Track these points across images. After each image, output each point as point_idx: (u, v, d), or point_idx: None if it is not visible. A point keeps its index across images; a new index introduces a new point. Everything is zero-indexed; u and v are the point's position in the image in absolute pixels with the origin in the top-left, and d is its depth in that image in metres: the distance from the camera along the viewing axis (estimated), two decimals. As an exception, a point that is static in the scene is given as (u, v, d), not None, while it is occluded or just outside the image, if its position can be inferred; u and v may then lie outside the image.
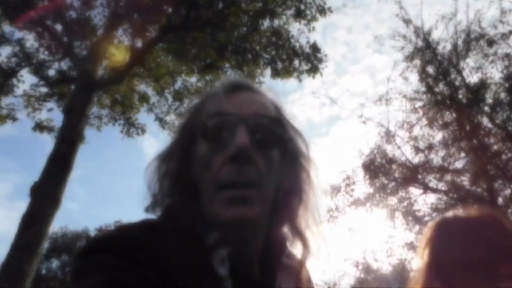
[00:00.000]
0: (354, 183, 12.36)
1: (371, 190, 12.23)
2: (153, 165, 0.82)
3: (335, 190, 12.32)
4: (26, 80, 10.13)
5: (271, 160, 0.75)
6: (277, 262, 0.77)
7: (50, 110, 10.11)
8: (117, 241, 0.62)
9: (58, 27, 8.72)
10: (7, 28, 8.97)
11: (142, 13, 8.50)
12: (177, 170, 0.79)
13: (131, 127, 10.98)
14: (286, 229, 0.81)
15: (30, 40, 9.26)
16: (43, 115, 9.81)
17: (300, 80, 9.78)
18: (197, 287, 0.62)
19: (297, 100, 29.83)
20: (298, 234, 0.79)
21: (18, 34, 8.94)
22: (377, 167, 11.92)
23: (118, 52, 8.88)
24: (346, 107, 25.41)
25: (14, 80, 9.39)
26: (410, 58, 12.05)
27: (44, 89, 9.90)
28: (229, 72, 9.63)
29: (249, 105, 0.76)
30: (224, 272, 0.66)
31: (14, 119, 9.85)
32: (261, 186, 0.71)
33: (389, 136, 11.92)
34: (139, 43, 8.89)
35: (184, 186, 0.78)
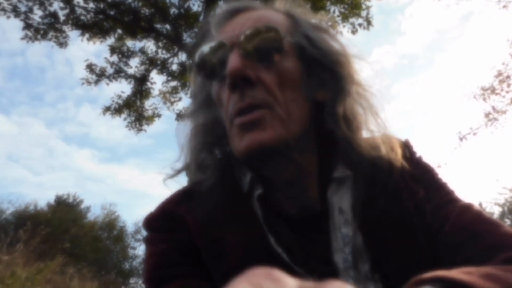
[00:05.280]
0: (509, 76, 10.66)
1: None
2: (182, 125, 0.76)
3: (487, 90, 10.97)
4: (156, 80, 11.19)
5: (283, 71, 0.64)
6: (331, 177, 0.67)
7: (179, 99, 11.11)
8: (157, 221, 0.71)
9: (167, 27, 9.26)
10: (130, 43, 10.02)
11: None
12: (206, 123, 0.73)
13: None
14: (343, 137, 0.67)
15: (150, 46, 10.15)
16: (180, 105, 10.77)
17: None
18: (237, 234, 0.63)
19: (415, 11, 25.99)
20: (355, 134, 0.66)
21: (139, 45, 9.81)
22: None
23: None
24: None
25: (148, 84, 10.53)
26: None
27: (173, 83, 10.87)
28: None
29: (242, 25, 0.66)
30: (260, 213, 0.65)
31: (159, 115, 11.16)
32: (274, 104, 0.62)
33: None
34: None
35: (214, 136, 0.73)
